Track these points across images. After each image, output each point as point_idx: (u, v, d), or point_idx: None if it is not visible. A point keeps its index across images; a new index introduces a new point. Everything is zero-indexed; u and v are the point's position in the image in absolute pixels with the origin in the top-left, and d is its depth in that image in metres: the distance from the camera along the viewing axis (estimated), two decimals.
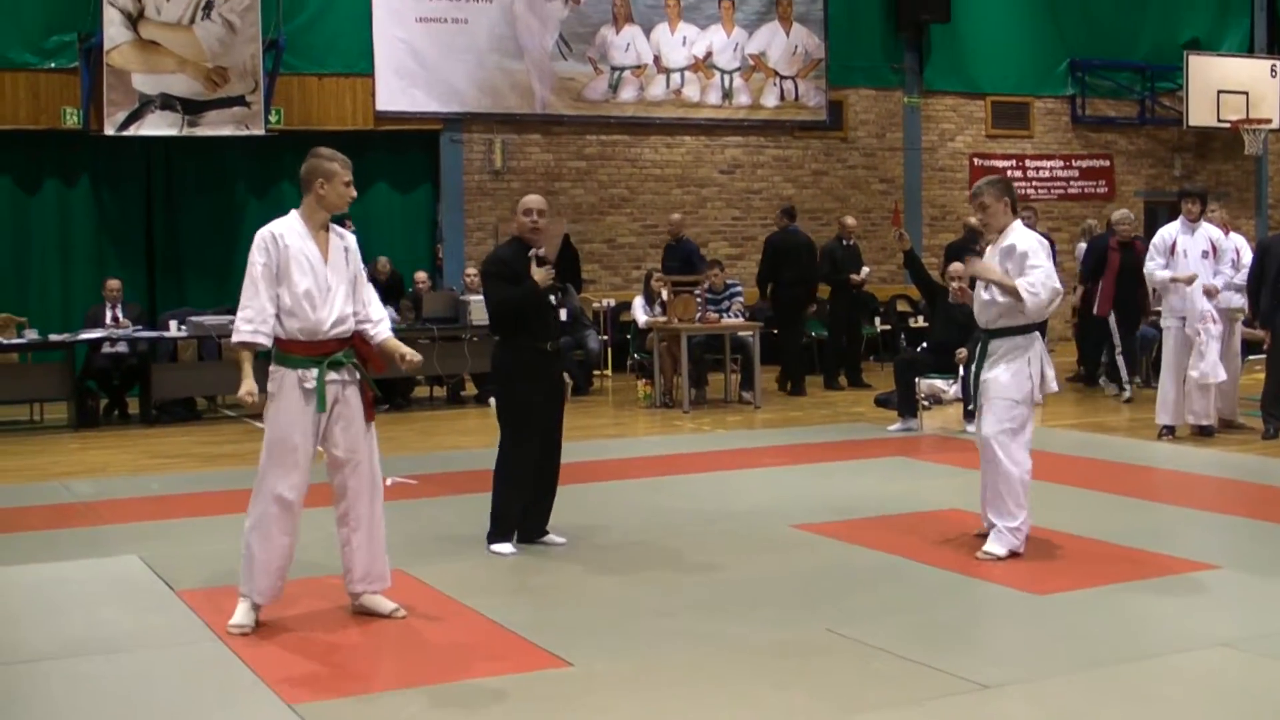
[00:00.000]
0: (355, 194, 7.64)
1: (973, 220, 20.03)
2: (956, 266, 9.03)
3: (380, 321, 7.66)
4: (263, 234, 7.37)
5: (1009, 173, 25.38)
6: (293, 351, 7.35)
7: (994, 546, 8.69)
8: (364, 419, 7.55)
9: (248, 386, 7.34)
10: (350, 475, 7.52)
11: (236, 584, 7.45)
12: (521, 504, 9.25)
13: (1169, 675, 6.39)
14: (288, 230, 7.38)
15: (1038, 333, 8.88)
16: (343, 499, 7.56)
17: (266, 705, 6.15)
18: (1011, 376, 8.73)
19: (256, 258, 7.32)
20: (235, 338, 7.35)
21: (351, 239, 7.64)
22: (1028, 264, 8.64)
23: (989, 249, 9.03)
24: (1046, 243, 9.05)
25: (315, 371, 7.34)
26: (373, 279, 18.72)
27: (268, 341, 7.27)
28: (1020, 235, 8.81)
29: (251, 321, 7.27)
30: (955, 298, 10.05)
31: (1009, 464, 8.70)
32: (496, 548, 9.14)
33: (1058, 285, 8.76)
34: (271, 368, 7.39)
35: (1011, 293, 8.62)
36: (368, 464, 7.57)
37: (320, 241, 7.46)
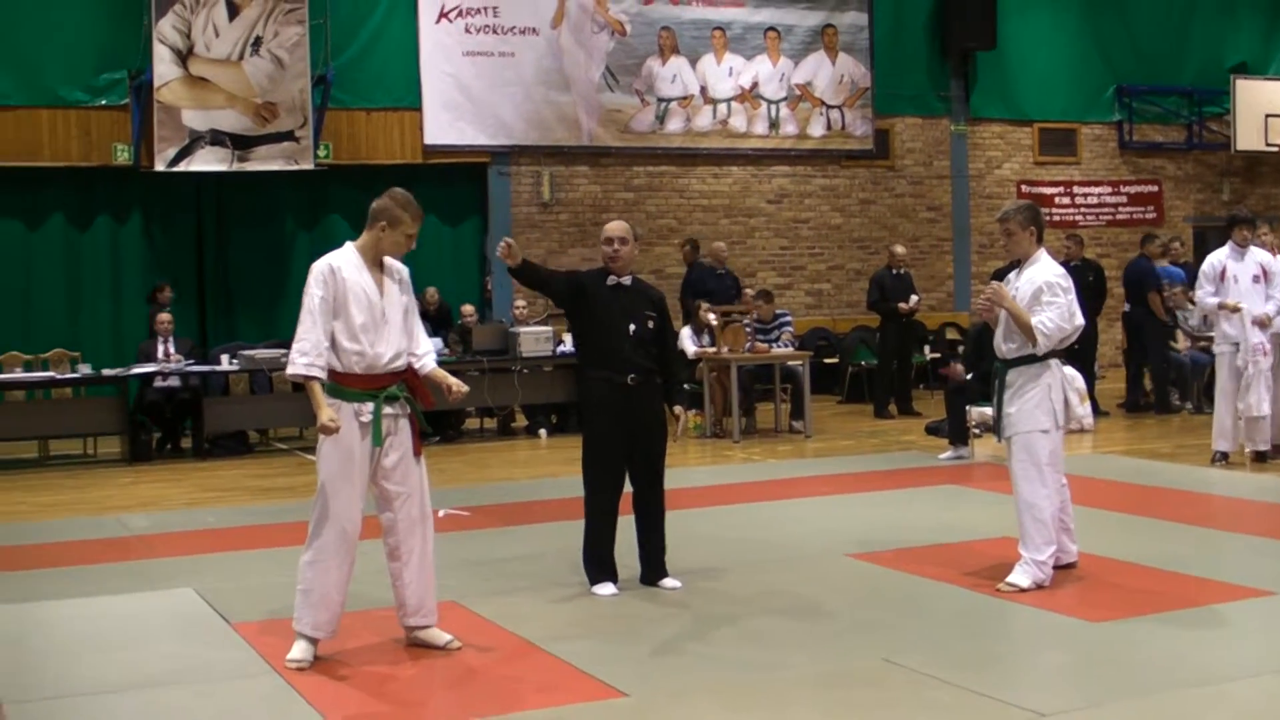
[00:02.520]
0: (414, 247, 7.58)
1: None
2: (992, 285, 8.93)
3: (426, 354, 7.66)
4: (321, 267, 7.33)
5: (1056, 199, 25.35)
6: (349, 385, 7.33)
7: (1018, 578, 8.62)
8: (414, 452, 7.55)
9: (328, 414, 7.21)
10: (401, 509, 7.52)
11: (291, 617, 7.47)
12: (605, 544, 8.98)
13: (1224, 703, 6.35)
14: (345, 263, 7.36)
15: (1056, 361, 8.78)
16: (393, 533, 7.55)
17: None
18: (1034, 407, 8.67)
19: (315, 290, 7.27)
20: (291, 370, 7.30)
21: (405, 271, 7.62)
22: (1044, 299, 8.61)
23: (1011, 275, 8.99)
24: (1068, 279, 8.82)
25: (371, 405, 7.34)
26: (421, 310, 18.78)
27: (323, 375, 7.23)
28: (1042, 268, 8.76)
29: (307, 354, 7.23)
30: (978, 313, 9.89)
31: (1034, 497, 8.65)
32: (595, 589, 8.92)
33: (1074, 323, 8.69)
34: (327, 400, 7.34)
35: (1025, 329, 8.60)
36: (418, 497, 7.57)
37: (375, 275, 7.45)
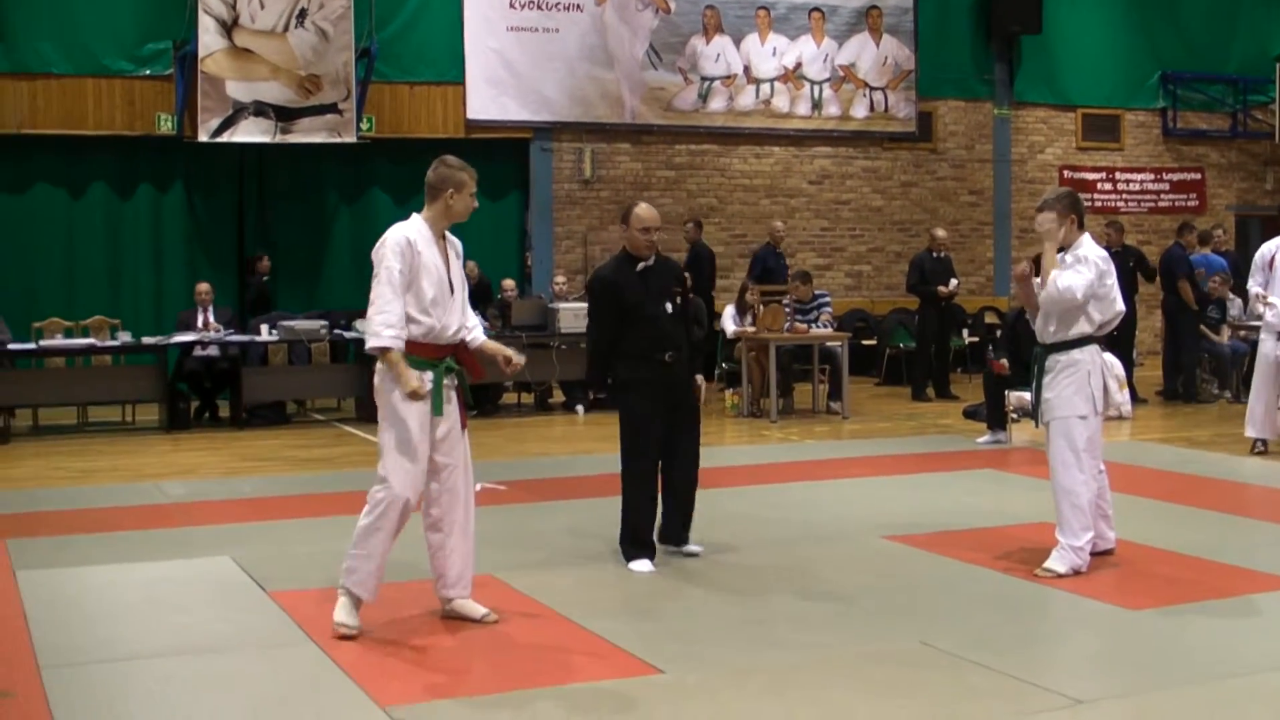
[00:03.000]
0: (478, 205, 7.64)
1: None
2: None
3: (476, 327, 7.69)
4: (397, 240, 7.30)
5: (1099, 185, 25.28)
6: (414, 354, 7.33)
7: (1055, 564, 8.59)
8: (461, 425, 7.59)
9: (414, 376, 7.19)
10: (448, 480, 7.53)
11: (329, 586, 7.50)
12: (645, 522, 9.08)
13: (1261, 694, 6.32)
14: (419, 236, 7.35)
15: (1096, 346, 8.76)
16: (438, 504, 7.56)
17: (360, 707, 6.20)
18: (1074, 392, 8.64)
19: (393, 263, 7.24)
20: (377, 343, 7.25)
21: (459, 245, 7.66)
22: (1074, 267, 8.61)
23: (1059, 257, 8.93)
24: (1109, 262, 8.81)
25: (432, 375, 7.37)
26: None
27: (403, 345, 7.24)
28: (1086, 248, 8.75)
29: (393, 326, 7.21)
30: (1015, 285, 9.72)
31: (1072, 483, 8.60)
32: (632, 565, 8.97)
33: (1114, 309, 8.72)
34: (387, 367, 7.34)
35: (1045, 274, 8.62)
36: (464, 469, 7.60)
37: (441, 247, 7.48)
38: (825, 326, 17.70)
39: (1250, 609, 7.85)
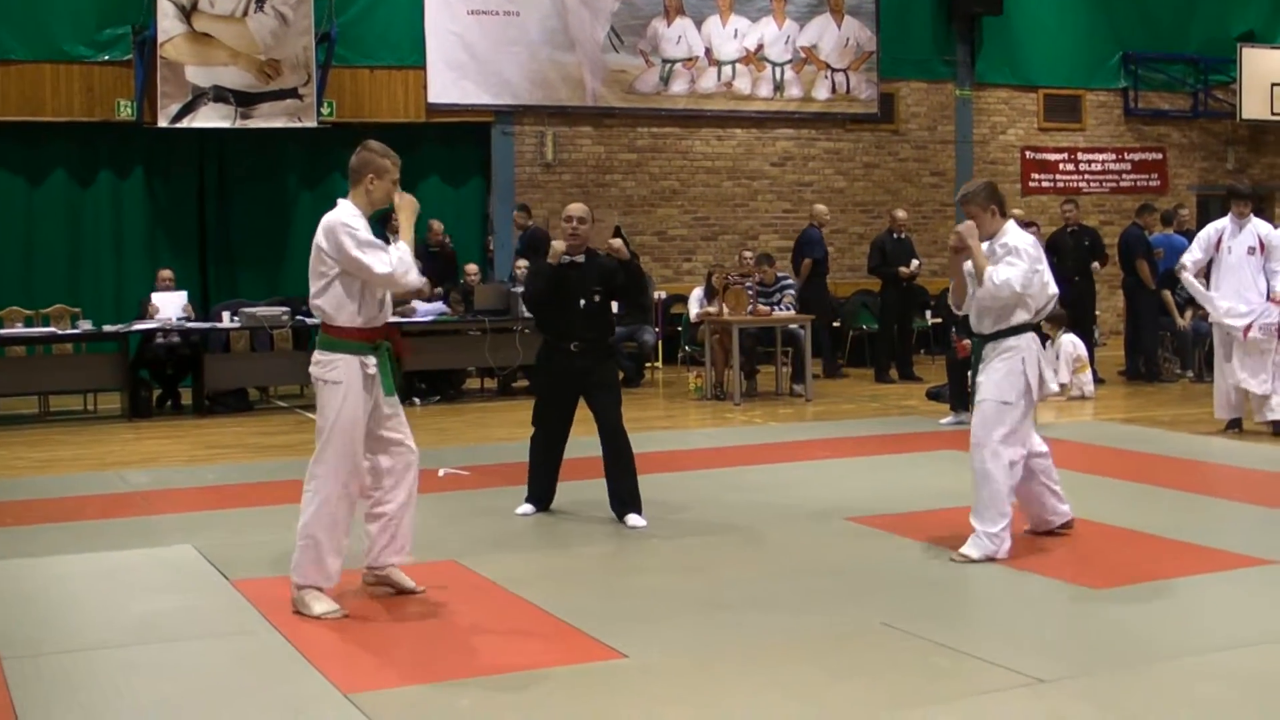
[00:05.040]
0: (400, 193, 7.72)
1: (1018, 212, 20.07)
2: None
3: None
4: (345, 217, 7.41)
5: (1060, 166, 25.36)
6: (351, 338, 7.46)
7: (970, 549, 8.53)
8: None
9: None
10: (399, 454, 7.75)
11: (290, 574, 7.51)
12: (535, 479, 10.11)
13: (1223, 671, 6.35)
14: (354, 220, 7.44)
15: (1033, 333, 8.73)
16: (391, 474, 7.73)
17: (323, 695, 6.19)
18: (1004, 377, 8.57)
19: (358, 229, 7.38)
20: (413, 276, 7.50)
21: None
22: (1005, 259, 8.56)
23: (985, 245, 8.79)
24: (1038, 248, 8.75)
25: (374, 358, 7.51)
26: (422, 248, 18.67)
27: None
28: (1012, 236, 8.69)
29: (406, 264, 7.41)
30: (949, 249, 9.52)
31: (992, 468, 8.51)
32: (517, 510, 10.07)
33: (1046, 292, 8.67)
34: (324, 355, 7.49)
35: (979, 271, 8.55)
36: (411, 439, 7.80)
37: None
38: (788, 309, 17.71)
39: (1210, 588, 7.89)
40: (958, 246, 8.76)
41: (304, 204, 20.48)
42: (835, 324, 20.92)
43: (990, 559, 8.47)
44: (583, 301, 9.82)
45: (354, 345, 7.46)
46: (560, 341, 9.85)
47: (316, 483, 7.49)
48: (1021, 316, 8.63)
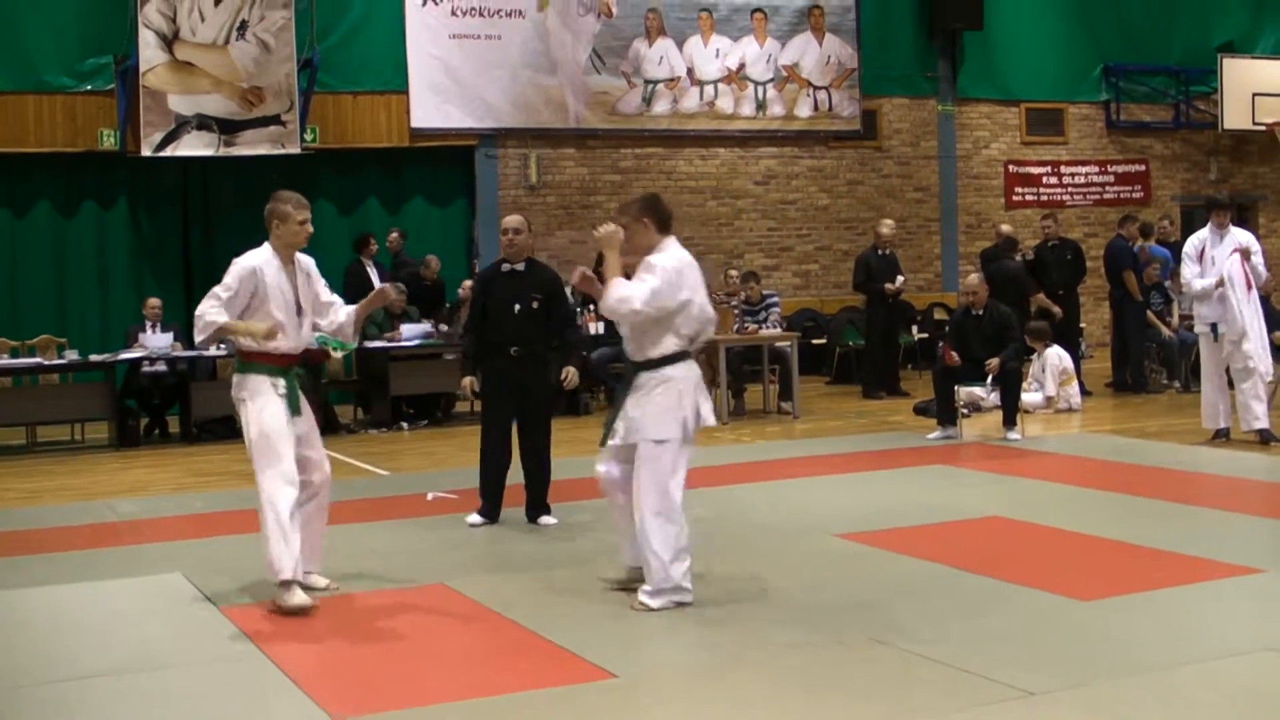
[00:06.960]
0: (311, 230, 8.37)
1: (1005, 228, 20.14)
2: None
3: (339, 311, 8.58)
4: (244, 266, 8.18)
5: (1044, 179, 25.43)
6: (261, 361, 8.18)
7: (647, 599, 7.90)
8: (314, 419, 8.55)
9: (258, 326, 8.04)
10: (317, 471, 8.41)
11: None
12: (485, 482, 10.65)
13: (1215, 681, 6.35)
14: (264, 264, 8.16)
15: (691, 362, 8.12)
16: (310, 488, 8.33)
17: None
18: (661, 412, 7.91)
19: (231, 282, 8.10)
20: (204, 325, 8.11)
21: (311, 264, 8.48)
22: (638, 275, 7.93)
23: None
24: (683, 270, 7.98)
25: (284, 380, 8.16)
26: (417, 279, 18.80)
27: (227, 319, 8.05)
28: (659, 254, 8.01)
29: (212, 309, 8.06)
30: (577, 283, 8.43)
31: (666, 508, 7.90)
32: (467, 519, 10.64)
33: (642, 305, 7.82)
34: (238, 378, 8.26)
35: (606, 284, 7.95)
36: (324, 456, 8.54)
37: (289, 271, 8.31)
38: (774, 327, 17.73)
39: (1201, 598, 7.88)
40: (582, 279, 8.24)
41: None
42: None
43: (679, 605, 7.89)
44: (518, 307, 10.44)
45: (264, 368, 8.14)
46: (503, 345, 10.44)
47: (260, 492, 8.04)
48: (673, 344, 8.00)
